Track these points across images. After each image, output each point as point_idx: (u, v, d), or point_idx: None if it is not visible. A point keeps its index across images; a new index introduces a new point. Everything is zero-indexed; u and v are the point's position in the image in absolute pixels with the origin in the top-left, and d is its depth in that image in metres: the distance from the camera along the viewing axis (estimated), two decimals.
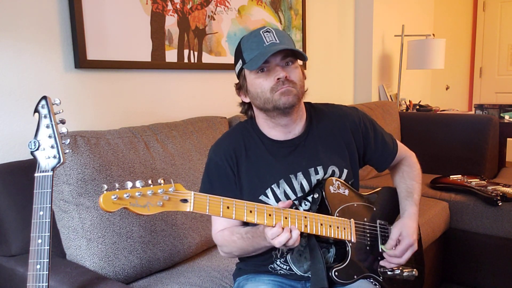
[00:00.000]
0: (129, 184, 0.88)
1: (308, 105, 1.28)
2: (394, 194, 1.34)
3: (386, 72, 3.49)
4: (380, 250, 1.22)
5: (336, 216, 1.15)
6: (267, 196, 1.17)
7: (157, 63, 1.90)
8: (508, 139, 3.03)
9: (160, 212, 0.90)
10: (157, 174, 1.53)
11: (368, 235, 1.21)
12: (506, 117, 3.13)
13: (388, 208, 1.31)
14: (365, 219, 1.23)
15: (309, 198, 1.20)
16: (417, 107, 3.55)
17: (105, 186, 0.86)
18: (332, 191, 1.17)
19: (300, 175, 1.18)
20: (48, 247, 0.96)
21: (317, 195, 1.18)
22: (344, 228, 1.15)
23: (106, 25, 1.71)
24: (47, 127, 1.00)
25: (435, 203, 2.18)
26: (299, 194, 1.18)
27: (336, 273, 1.12)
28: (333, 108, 1.31)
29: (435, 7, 4.14)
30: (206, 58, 2.12)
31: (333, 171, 1.21)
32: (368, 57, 3.29)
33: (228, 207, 0.97)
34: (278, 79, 1.09)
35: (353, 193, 1.23)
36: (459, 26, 4.87)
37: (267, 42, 1.10)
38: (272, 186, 1.17)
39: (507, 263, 2.11)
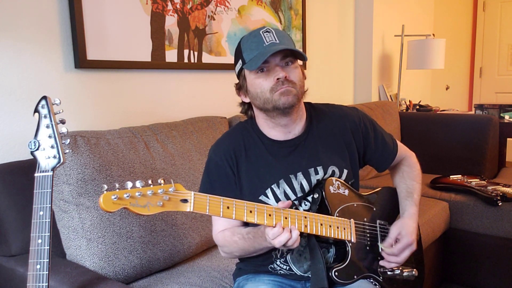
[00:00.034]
0: (129, 184, 0.88)
1: (308, 105, 1.28)
2: (394, 194, 1.34)
3: (386, 72, 3.49)
4: (380, 250, 1.22)
5: (336, 216, 1.15)
6: (267, 196, 1.17)
7: (157, 63, 1.90)
8: (508, 139, 3.03)
9: (160, 212, 0.90)
10: (157, 174, 1.53)
11: (368, 235, 1.21)
12: (506, 117, 3.13)
13: (388, 208, 1.31)
14: (365, 219, 1.23)
15: (309, 198, 1.20)
16: (417, 107, 3.55)
17: (105, 186, 0.86)
18: (332, 191, 1.17)
19: (300, 175, 1.18)
20: (48, 247, 0.96)
21: (317, 195, 1.18)
22: (344, 228, 1.15)
23: (106, 25, 1.71)
24: (47, 127, 1.00)
25: (435, 203, 2.18)
26: (299, 194, 1.18)
27: (336, 273, 1.12)
28: (333, 108, 1.31)
29: (435, 7, 4.14)
30: (206, 58, 2.12)
31: (333, 171, 1.21)
32: (368, 57, 3.29)
33: (228, 207, 0.97)
34: (277, 79, 1.09)
35: (353, 193, 1.23)
36: (459, 26, 4.87)
37: (267, 42, 1.10)
38: (272, 186, 1.17)
39: (507, 263, 2.11)
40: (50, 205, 0.97)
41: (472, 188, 2.21)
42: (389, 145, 1.34)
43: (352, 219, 1.18)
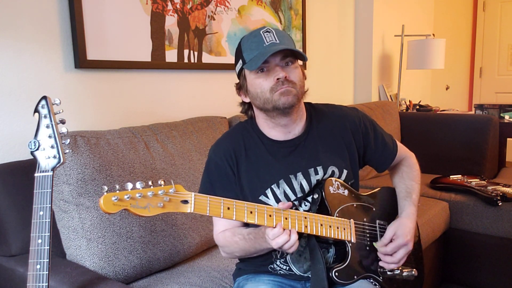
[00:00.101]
0: (130, 185, 0.88)
1: (308, 105, 1.28)
2: (393, 194, 1.34)
3: (386, 72, 3.49)
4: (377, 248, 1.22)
5: (336, 216, 1.15)
6: (267, 197, 1.17)
7: (157, 63, 1.90)
8: (508, 139, 3.03)
9: (160, 213, 0.90)
10: (157, 174, 1.53)
11: (367, 235, 1.21)
12: (506, 117, 3.13)
13: (388, 208, 1.31)
14: (365, 220, 1.23)
15: (309, 198, 1.20)
16: (417, 107, 3.55)
17: (106, 188, 0.86)
18: (331, 192, 1.17)
19: (300, 175, 1.18)
20: (48, 247, 0.96)
21: (317, 196, 1.18)
22: (344, 229, 1.15)
23: (106, 25, 1.71)
24: (47, 127, 1.00)
25: (435, 203, 2.18)
26: (299, 195, 1.18)
27: (337, 274, 1.12)
28: (333, 109, 1.30)
29: (435, 7, 4.14)
30: (206, 58, 2.12)
31: (333, 172, 1.21)
32: (368, 57, 3.29)
33: (228, 208, 0.97)
34: (277, 79, 1.09)
35: (352, 194, 1.23)
36: (459, 26, 4.87)
37: (267, 42, 1.10)
38: (272, 186, 1.17)
39: (507, 263, 2.11)
40: (50, 205, 0.97)
41: (472, 188, 2.21)
42: (389, 145, 1.34)
43: (352, 219, 1.18)
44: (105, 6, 1.69)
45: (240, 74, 1.18)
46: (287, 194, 1.17)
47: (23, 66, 1.50)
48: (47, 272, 0.95)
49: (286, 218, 1.02)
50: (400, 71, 3.38)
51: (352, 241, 1.16)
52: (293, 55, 1.12)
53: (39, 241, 0.96)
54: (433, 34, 3.68)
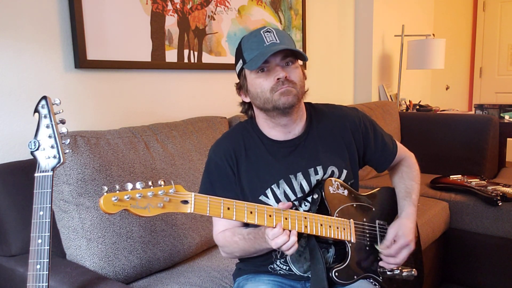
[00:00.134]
0: (130, 185, 0.88)
1: (308, 105, 1.28)
2: (393, 194, 1.34)
3: (386, 72, 3.49)
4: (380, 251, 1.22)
5: (336, 216, 1.15)
6: (267, 197, 1.17)
7: (157, 63, 1.90)
8: (508, 139, 3.03)
9: (160, 214, 0.90)
10: (157, 174, 1.53)
11: (367, 235, 1.22)
12: (506, 117, 3.13)
13: (387, 208, 1.31)
14: (364, 220, 1.23)
15: (309, 198, 1.20)
16: (417, 107, 3.55)
17: (106, 188, 0.86)
18: (331, 192, 1.17)
19: (299, 175, 1.18)
20: (48, 247, 0.96)
21: (317, 196, 1.18)
22: (344, 229, 1.15)
23: (106, 25, 1.71)
24: (47, 127, 1.00)
25: (435, 203, 2.18)
26: (299, 195, 1.18)
27: (336, 274, 1.12)
28: (333, 109, 1.30)
29: (435, 7, 4.14)
30: (206, 58, 2.12)
31: (333, 172, 1.21)
32: (368, 57, 3.29)
33: (228, 208, 0.97)
34: (278, 79, 1.09)
35: (352, 194, 1.23)
36: (459, 26, 4.87)
37: (268, 42, 1.10)
38: (272, 186, 1.17)
39: (507, 263, 2.11)
40: (50, 205, 0.97)
41: (472, 188, 2.21)
42: (388, 145, 1.34)
43: (351, 220, 1.18)
44: (105, 6, 1.69)
45: (240, 74, 1.18)
46: (287, 194, 1.17)
47: (23, 66, 1.50)
48: (47, 272, 0.95)
49: (286, 218, 1.02)
50: (400, 71, 3.38)
51: (352, 241, 1.16)
52: (293, 55, 1.12)
53: (39, 241, 0.96)
54: (433, 34, 3.68)
